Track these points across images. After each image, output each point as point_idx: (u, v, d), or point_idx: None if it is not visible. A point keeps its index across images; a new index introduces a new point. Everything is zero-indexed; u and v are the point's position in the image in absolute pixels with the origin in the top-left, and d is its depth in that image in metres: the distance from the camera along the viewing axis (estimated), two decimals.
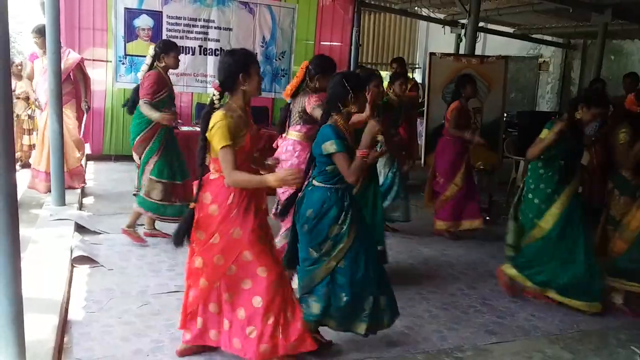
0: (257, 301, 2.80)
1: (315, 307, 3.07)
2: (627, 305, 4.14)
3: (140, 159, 4.82)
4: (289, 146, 4.02)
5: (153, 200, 4.72)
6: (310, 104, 3.89)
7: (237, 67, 2.78)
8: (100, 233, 4.96)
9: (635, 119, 4.12)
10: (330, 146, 2.94)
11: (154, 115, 4.52)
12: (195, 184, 2.90)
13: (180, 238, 2.88)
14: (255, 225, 2.83)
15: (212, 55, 7.70)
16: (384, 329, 3.21)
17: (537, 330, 3.79)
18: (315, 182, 3.06)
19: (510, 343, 3.59)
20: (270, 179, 2.75)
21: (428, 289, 4.36)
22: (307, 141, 3.86)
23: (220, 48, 7.74)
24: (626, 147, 4.06)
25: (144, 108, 4.56)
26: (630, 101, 4.11)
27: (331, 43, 8.86)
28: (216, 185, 2.84)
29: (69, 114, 6.01)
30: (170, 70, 4.82)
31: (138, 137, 4.72)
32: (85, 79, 6.35)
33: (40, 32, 5.78)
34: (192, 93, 7.99)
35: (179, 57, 4.72)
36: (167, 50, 4.61)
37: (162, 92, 4.62)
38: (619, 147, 4.09)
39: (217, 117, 2.76)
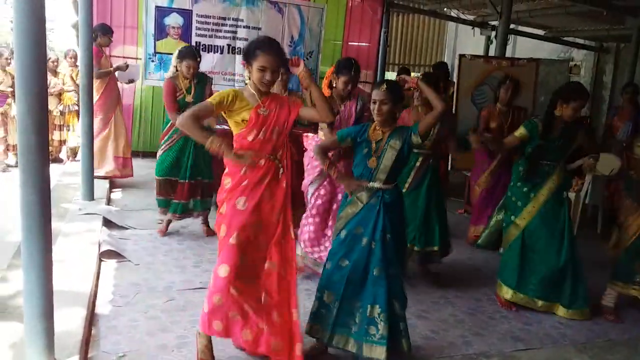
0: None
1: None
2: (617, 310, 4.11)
3: None
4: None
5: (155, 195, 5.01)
6: None
7: (244, 53, 2.82)
8: (127, 228, 5.02)
9: None
10: None
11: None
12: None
13: None
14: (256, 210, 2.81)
15: (240, 54, 7.73)
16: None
17: (565, 338, 3.73)
18: None
19: (537, 351, 3.53)
20: (211, 140, 2.69)
21: (454, 293, 4.32)
22: None
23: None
24: None
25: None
26: None
27: (359, 43, 8.82)
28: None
29: None
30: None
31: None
32: None
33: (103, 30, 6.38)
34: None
35: (192, 64, 4.75)
36: (181, 58, 4.75)
37: (177, 96, 4.80)
38: (634, 160, 4.01)
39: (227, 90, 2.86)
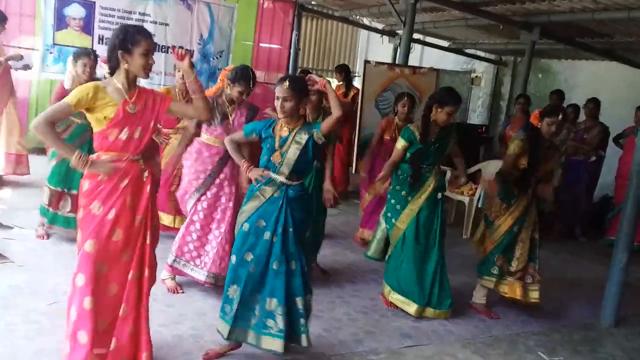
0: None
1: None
2: (487, 306, 4.36)
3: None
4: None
5: (42, 204, 4.65)
6: None
7: (116, 44, 2.62)
8: (12, 228, 4.73)
9: (533, 132, 4.13)
10: None
11: None
12: None
13: None
14: (123, 213, 2.66)
15: None
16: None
17: (451, 334, 3.90)
18: None
19: (424, 347, 3.67)
20: (70, 154, 2.58)
21: (350, 292, 4.41)
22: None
23: (156, 43, 7.55)
24: (513, 158, 4.10)
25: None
26: (534, 116, 4.21)
27: (270, 45, 8.82)
28: None
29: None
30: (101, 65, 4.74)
31: None
32: None
33: None
34: None
35: (87, 62, 4.47)
36: (75, 58, 4.50)
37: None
38: (507, 157, 4.17)
39: (86, 84, 2.66)
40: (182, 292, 3.98)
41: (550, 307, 4.54)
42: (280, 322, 2.97)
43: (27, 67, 6.09)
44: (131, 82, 2.69)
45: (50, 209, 4.59)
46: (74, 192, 4.49)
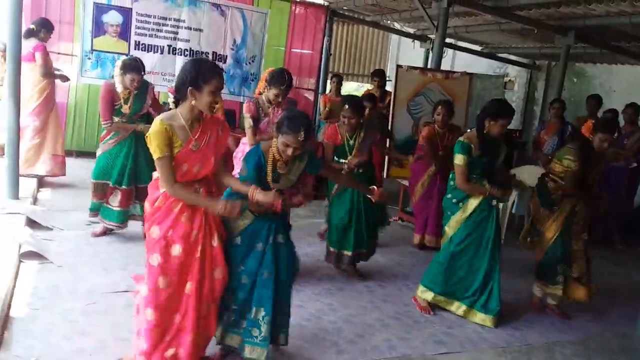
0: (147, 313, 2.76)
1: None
2: (558, 307, 4.46)
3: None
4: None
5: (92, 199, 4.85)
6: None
7: (188, 79, 2.62)
8: (52, 229, 4.84)
9: (585, 145, 4.20)
10: None
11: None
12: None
13: None
14: (181, 233, 2.74)
15: (181, 55, 7.63)
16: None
17: (485, 342, 3.84)
18: None
19: (458, 354, 3.63)
20: (214, 205, 2.71)
21: (381, 297, 4.39)
22: None
23: (190, 49, 7.68)
24: (573, 173, 4.15)
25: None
26: (587, 127, 4.20)
27: (302, 50, 8.87)
28: (152, 185, 2.84)
29: None
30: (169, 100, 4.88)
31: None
32: None
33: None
34: (159, 92, 7.89)
35: (136, 78, 4.59)
36: (124, 70, 4.56)
37: (114, 105, 4.65)
38: (567, 173, 4.16)
39: (154, 124, 2.67)
40: None
41: (586, 315, 4.46)
42: (265, 331, 2.97)
43: (64, 77, 6.33)
44: (195, 118, 2.71)
45: (96, 200, 4.79)
46: (124, 187, 4.72)
